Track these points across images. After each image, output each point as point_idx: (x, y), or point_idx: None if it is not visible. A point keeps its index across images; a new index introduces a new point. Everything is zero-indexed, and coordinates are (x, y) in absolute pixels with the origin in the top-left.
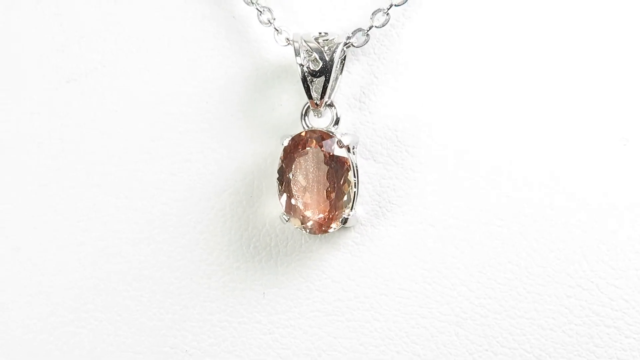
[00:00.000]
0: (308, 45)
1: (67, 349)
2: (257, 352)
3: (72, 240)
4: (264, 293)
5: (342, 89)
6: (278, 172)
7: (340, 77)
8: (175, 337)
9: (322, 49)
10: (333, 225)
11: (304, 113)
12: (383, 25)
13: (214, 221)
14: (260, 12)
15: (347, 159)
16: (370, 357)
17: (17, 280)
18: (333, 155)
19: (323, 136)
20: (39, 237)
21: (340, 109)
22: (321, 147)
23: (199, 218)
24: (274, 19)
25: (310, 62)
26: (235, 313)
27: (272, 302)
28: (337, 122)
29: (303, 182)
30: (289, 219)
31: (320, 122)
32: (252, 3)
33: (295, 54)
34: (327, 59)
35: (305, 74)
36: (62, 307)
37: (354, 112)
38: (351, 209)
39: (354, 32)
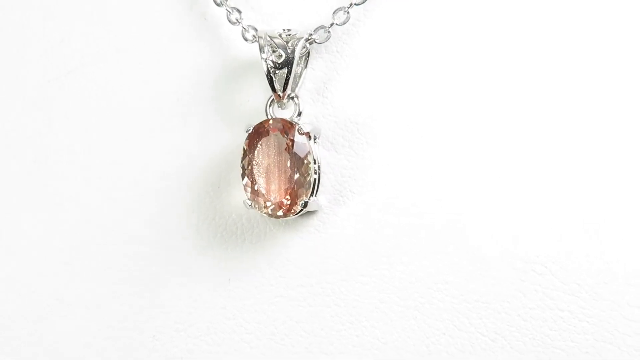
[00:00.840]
0: (272, 41)
1: (37, 335)
2: (221, 336)
3: (48, 231)
4: (229, 279)
5: (306, 84)
6: (242, 157)
7: (304, 72)
8: (143, 323)
9: (286, 43)
10: (294, 208)
11: (268, 105)
12: (344, 23)
13: (183, 211)
14: (230, 12)
15: (307, 145)
16: (331, 340)
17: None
18: (294, 141)
19: (285, 124)
20: (10, 225)
21: (304, 102)
22: (283, 133)
23: (166, 207)
24: (242, 19)
25: (273, 56)
26: (201, 299)
27: (237, 288)
28: (299, 114)
29: (265, 167)
30: (251, 203)
31: (284, 113)
32: (222, 4)
33: (260, 49)
34: (289, 52)
35: (269, 67)
36: (30, 294)
37: (317, 105)
38: (313, 195)
39: (316, 29)
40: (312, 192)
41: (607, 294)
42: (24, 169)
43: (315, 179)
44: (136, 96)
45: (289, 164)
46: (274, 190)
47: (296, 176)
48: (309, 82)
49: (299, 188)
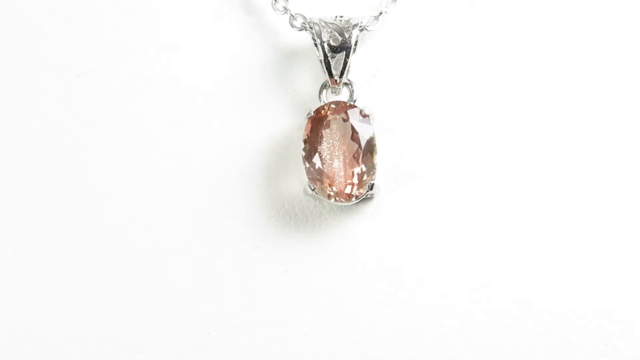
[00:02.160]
0: (328, 26)
1: (85, 335)
2: (279, 330)
3: (91, 228)
4: (285, 271)
5: (353, 70)
6: (304, 142)
7: (352, 58)
8: (196, 320)
9: (341, 27)
10: (361, 190)
11: (321, 91)
12: (392, 12)
13: (231, 203)
14: (276, 0)
15: (370, 127)
16: (395, 327)
17: (31, 270)
18: (358, 123)
19: (347, 107)
20: (57, 225)
21: (357, 87)
22: (346, 117)
23: (216, 201)
24: (289, 7)
25: (330, 39)
26: (258, 293)
27: (294, 279)
28: (354, 100)
29: (329, 152)
30: (314, 188)
31: (338, 99)
32: None
33: (316, 35)
34: (347, 36)
35: (326, 51)
36: (80, 293)
37: (366, 92)
38: (374, 178)
39: (366, 17)
40: (374, 174)
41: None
42: (57, 168)
43: (377, 162)
44: (180, 87)
45: (354, 148)
46: (340, 174)
47: (363, 160)
48: (357, 68)
49: (365, 171)
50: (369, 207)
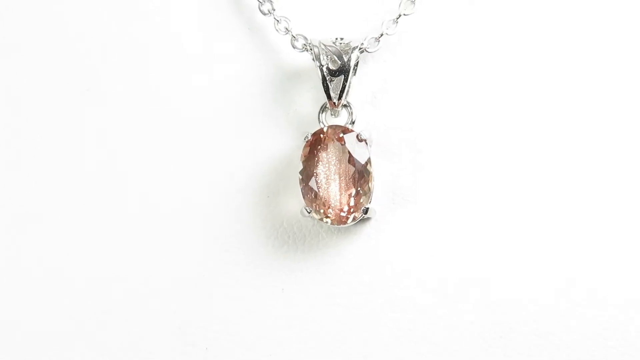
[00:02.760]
0: (327, 48)
1: (84, 348)
2: (276, 347)
3: (93, 238)
4: (282, 289)
5: (354, 92)
6: (301, 166)
7: (353, 80)
8: (194, 335)
9: (340, 52)
10: (354, 215)
11: (320, 113)
12: (393, 34)
13: (231, 221)
14: (278, 21)
15: (366, 152)
16: (389, 348)
17: (36, 276)
18: (354, 149)
19: (344, 131)
20: (59, 236)
21: (355, 109)
22: (342, 141)
23: (216, 217)
24: (291, 28)
25: (329, 63)
26: (255, 310)
27: (291, 297)
28: (353, 122)
29: (325, 175)
30: (310, 211)
31: (337, 121)
32: (270, 13)
33: (315, 57)
34: (345, 59)
35: (325, 74)
36: (80, 305)
37: (366, 113)
38: (369, 202)
39: (367, 39)
40: (370, 198)
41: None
42: (70, 177)
43: (373, 185)
44: (181, 105)
45: (350, 172)
46: (335, 198)
47: (358, 184)
48: (355, 91)
49: (360, 195)
50: (366, 228)
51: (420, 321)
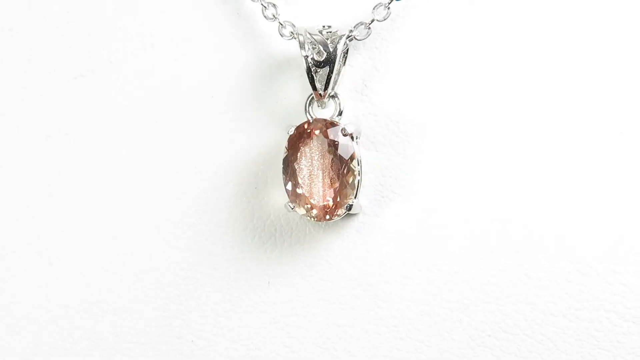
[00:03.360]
0: (312, 38)
1: (73, 340)
2: (262, 341)
3: (78, 232)
4: (269, 282)
5: (345, 81)
6: (283, 161)
7: (343, 69)
8: (181, 327)
9: (326, 40)
10: (338, 212)
11: (307, 104)
12: (384, 19)
13: (219, 212)
14: (265, 7)
15: (351, 146)
16: (375, 344)
17: (23, 272)
18: (337, 143)
19: (327, 125)
20: (45, 229)
21: (343, 100)
22: (326, 135)
23: (204, 209)
24: (279, 14)
25: (314, 54)
26: (241, 303)
27: (277, 291)
28: (340, 113)
29: (308, 170)
30: (294, 207)
31: (324, 113)
32: None
33: (300, 46)
34: (331, 50)
35: (310, 65)
36: (68, 298)
37: (356, 103)
38: (355, 197)
39: (356, 26)
40: (355, 193)
41: None
42: (55, 168)
43: (358, 180)
44: (167, 94)
45: (333, 167)
46: (318, 194)
47: (340, 179)
48: (346, 79)
49: (343, 192)
50: (354, 222)
51: (408, 318)
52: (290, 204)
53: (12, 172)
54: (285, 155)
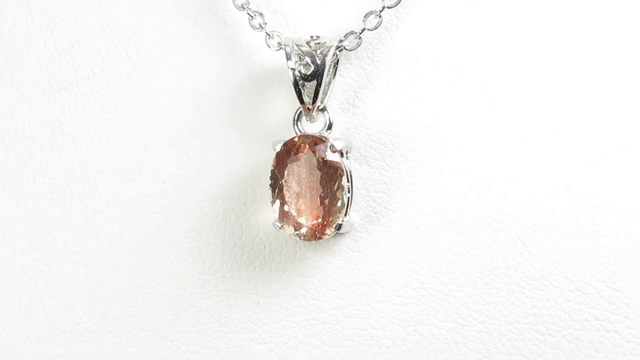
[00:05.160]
0: (299, 49)
1: (67, 357)
2: None
3: (64, 250)
4: (258, 302)
5: (335, 93)
6: (270, 178)
7: (333, 81)
8: (168, 348)
9: (314, 52)
10: (327, 231)
11: (296, 118)
12: (376, 28)
13: (207, 229)
14: (252, 17)
15: (340, 163)
16: None
17: (8, 291)
18: (326, 160)
19: (316, 141)
20: (30, 247)
21: (334, 113)
22: (314, 152)
23: (191, 226)
24: (265, 24)
25: (301, 66)
26: (230, 323)
27: (267, 311)
28: (329, 127)
29: (296, 188)
30: (282, 226)
31: (313, 127)
32: (243, 8)
33: (287, 58)
34: (319, 62)
35: (297, 78)
36: (54, 318)
37: (348, 116)
38: (345, 215)
39: (346, 35)
40: (346, 211)
41: None
42: (39, 182)
43: (348, 198)
44: (152, 108)
45: (320, 185)
46: (306, 213)
47: (329, 198)
48: (338, 90)
49: (332, 210)
50: (345, 239)
51: (401, 338)
52: (277, 222)
53: None
54: (272, 172)
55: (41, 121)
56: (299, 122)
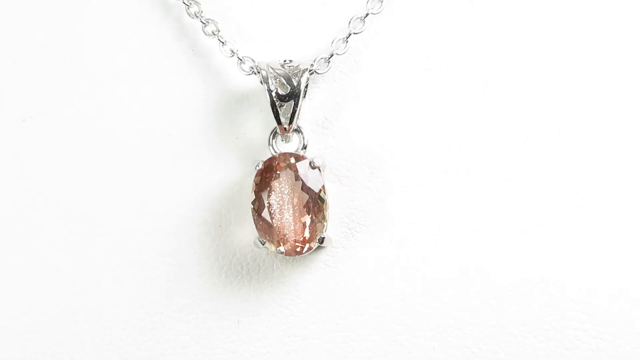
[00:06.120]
0: (275, 72)
1: None
2: None
3: (38, 278)
4: (238, 321)
5: (305, 115)
6: (252, 196)
7: (302, 103)
8: None
9: (289, 74)
10: (311, 244)
11: (271, 138)
12: (344, 53)
13: (183, 253)
14: (223, 43)
15: (320, 179)
16: None
17: None
18: (307, 176)
19: (296, 158)
20: (3, 278)
21: (307, 134)
22: (295, 169)
23: (167, 250)
24: (237, 50)
25: (278, 87)
26: (210, 344)
27: (247, 329)
28: (305, 147)
29: (278, 205)
30: (264, 242)
31: (288, 147)
32: (214, 35)
33: (263, 81)
34: (295, 84)
35: (274, 99)
36: (30, 346)
37: (318, 137)
38: (325, 230)
39: (316, 60)
40: (326, 226)
41: (619, 312)
42: (7, 213)
43: (329, 214)
44: (124, 134)
45: (304, 200)
46: (290, 228)
47: (311, 213)
48: (307, 112)
49: (314, 225)
50: (322, 255)
51: (381, 349)
52: (260, 239)
53: None
54: (254, 190)
55: (6, 152)
56: (274, 142)
